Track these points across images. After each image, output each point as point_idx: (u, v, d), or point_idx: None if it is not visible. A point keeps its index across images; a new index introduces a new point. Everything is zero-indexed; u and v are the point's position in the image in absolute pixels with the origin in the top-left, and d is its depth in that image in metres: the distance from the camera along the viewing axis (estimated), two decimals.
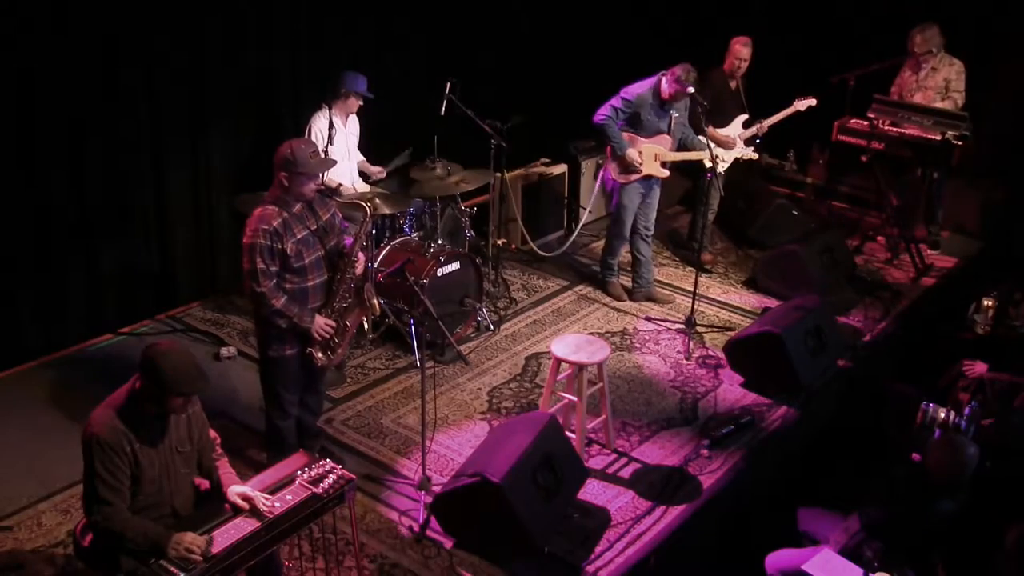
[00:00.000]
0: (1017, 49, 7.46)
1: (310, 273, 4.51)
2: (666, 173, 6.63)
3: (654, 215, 6.89)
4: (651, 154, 6.52)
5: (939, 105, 7.35)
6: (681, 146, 6.62)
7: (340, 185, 6.07)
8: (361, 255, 4.69)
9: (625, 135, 6.46)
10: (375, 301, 4.79)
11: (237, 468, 4.97)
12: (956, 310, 6.61)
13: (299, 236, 4.44)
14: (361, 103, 6.13)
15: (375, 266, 6.03)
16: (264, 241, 4.33)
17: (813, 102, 7.01)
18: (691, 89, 6.21)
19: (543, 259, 7.46)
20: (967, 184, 7.83)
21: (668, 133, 6.52)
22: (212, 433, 3.96)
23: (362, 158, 6.48)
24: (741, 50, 7.01)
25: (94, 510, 3.56)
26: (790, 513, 4.74)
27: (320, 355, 4.62)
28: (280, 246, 4.36)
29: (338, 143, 6.03)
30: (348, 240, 4.72)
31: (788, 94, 7.10)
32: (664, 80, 6.31)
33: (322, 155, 4.58)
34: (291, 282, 4.47)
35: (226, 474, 3.90)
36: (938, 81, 7.42)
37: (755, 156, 6.89)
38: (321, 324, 4.54)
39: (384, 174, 6.50)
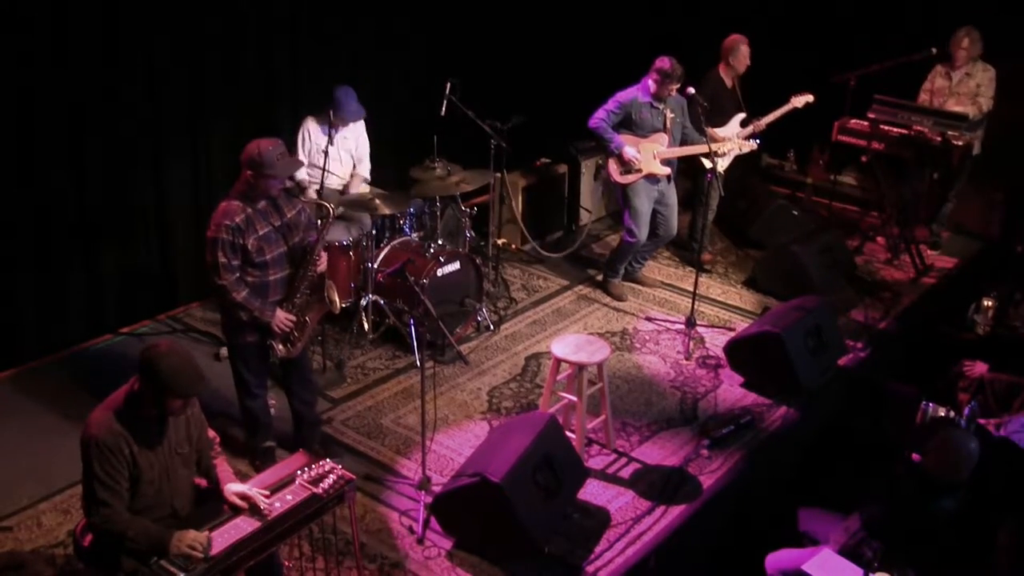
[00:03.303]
0: (1017, 49, 7.46)
1: (271, 268, 4.60)
2: (667, 170, 6.65)
3: (675, 221, 6.92)
4: (649, 153, 6.55)
5: (959, 109, 7.34)
6: (681, 144, 6.68)
7: (303, 181, 6.13)
8: (323, 253, 4.76)
9: (622, 136, 6.52)
10: (335, 298, 4.84)
11: (236, 468, 5.00)
12: (956, 310, 6.61)
13: (261, 232, 4.53)
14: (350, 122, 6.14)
15: (375, 266, 6.04)
16: (226, 236, 4.44)
17: (810, 98, 7.01)
18: (678, 84, 6.36)
19: (543, 259, 7.46)
20: (967, 184, 7.83)
21: (664, 131, 6.57)
22: (211, 433, 3.96)
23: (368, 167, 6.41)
24: (745, 50, 7.03)
25: (93, 512, 3.56)
26: (790, 513, 4.73)
27: (280, 347, 4.71)
28: (242, 241, 4.47)
29: (331, 149, 6.02)
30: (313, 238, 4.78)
31: (787, 93, 7.09)
32: (649, 77, 6.43)
33: (290, 156, 4.67)
34: (252, 275, 4.57)
35: (224, 473, 3.89)
36: (971, 87, 7.41)
37: (755, 146, 6.90)
38: (281, 318, 4.62)
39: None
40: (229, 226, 4.44)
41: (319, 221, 4.88)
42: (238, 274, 4.52)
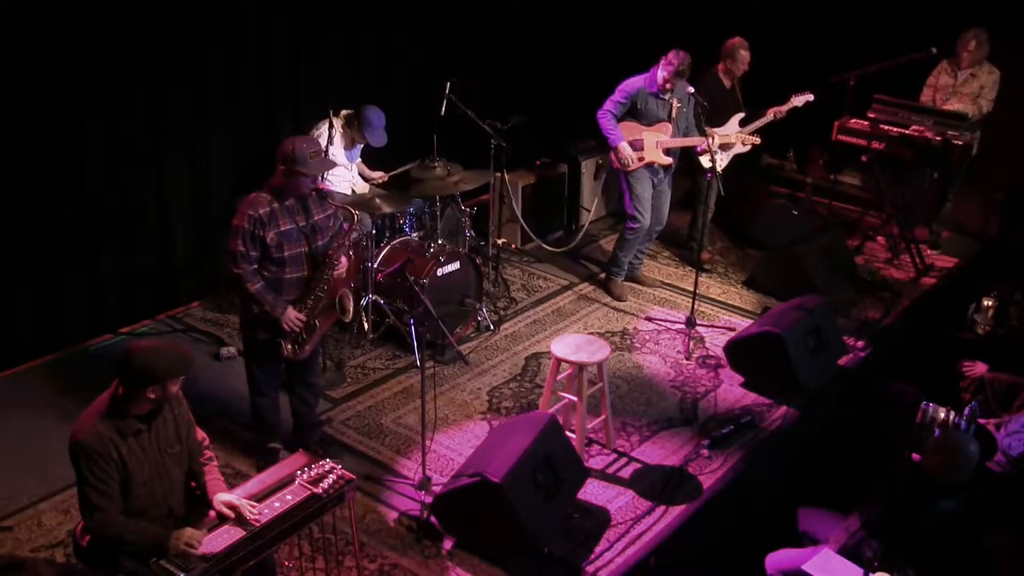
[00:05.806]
0: (1016, 48, 7.46)
1: (288, 266, 4.59)
2: (668, 160, 6.68)
3: (666, 210, 6.96)
4: (652, 141, 6.57)
5: (959, 107, 7.34)
6: (685, 136, 6.71)
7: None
8: (343, 260, 4.74)
9: (625, 123, 6.56)
10: (348, 306, 4.83)
11: (237, 468, 5.01)
12: (956, 310, 6.61)
13: (283, 228, 4.52)
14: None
15: (375, 266, 6.04)
16: (247, 226, 4.45)
17: (810, 97, 6.99)
18: (684, 79, 6.36)
19: (544, 258, 7.46)
20: (967, 184, 7.83)
21: (669, 121, 6.59)
22: (200, 434, 3.93)
23: (358, 160, 6.47)
24: (745, 55, 7.03)
25: (87, 517, 3.56)
26: (790, 513, 4.74)
27: (288, 346, 4.69)
28: (261, 233, 4.47)
29: (336, 150, 6.03)
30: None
31: (786, 93, 7.08)
32: (659, 68, 6.44)
33: (323, 156, 4.63)
34: (269, 271, 4.57)
35: (213, 480, 3.86)
36: (974, 88, 7.40)
37: (757, 141, 6.89)
38: (292, 317, 4.61)
39: (385, 178, 6.47)
40: (252, 216, 4.45)
41: (344, 226, 4.83)
42: (255, 265, 4.53)
